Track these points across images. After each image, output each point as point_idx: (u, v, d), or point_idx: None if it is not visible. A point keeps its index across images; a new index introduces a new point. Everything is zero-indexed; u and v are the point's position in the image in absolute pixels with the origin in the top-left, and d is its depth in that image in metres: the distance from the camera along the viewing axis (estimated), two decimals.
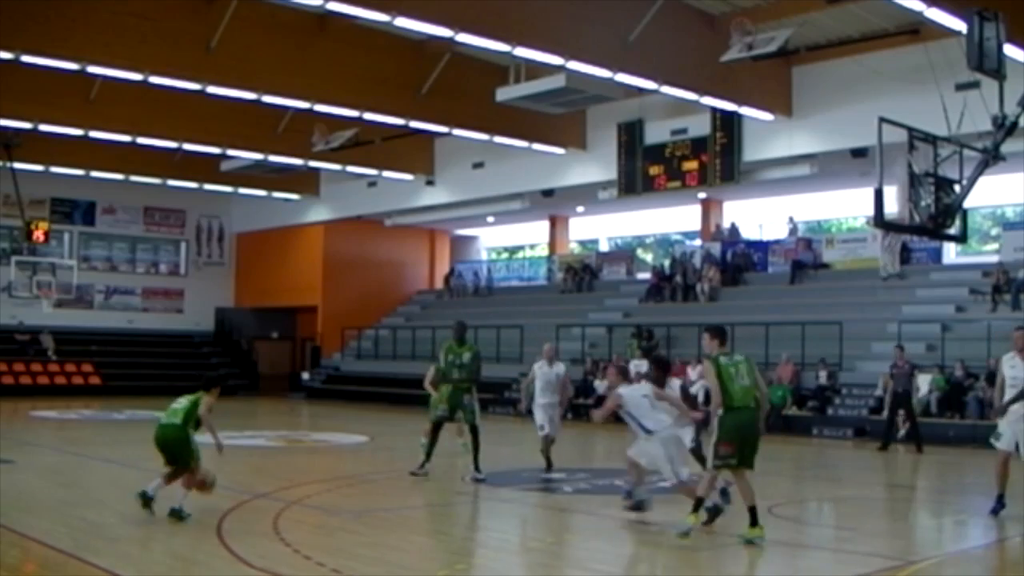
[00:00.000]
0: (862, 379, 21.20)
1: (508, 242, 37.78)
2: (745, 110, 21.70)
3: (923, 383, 19.63)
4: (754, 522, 8.24)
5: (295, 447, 17.65)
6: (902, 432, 19.14)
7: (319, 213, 33.79)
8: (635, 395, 9.06)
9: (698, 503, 8.29)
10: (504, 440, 15.33)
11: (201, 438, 9.46)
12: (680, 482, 8.89)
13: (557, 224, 34.19)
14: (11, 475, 11.97)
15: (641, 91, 21.40)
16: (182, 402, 9.56)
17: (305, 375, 34.49)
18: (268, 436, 18.66)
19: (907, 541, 9.87)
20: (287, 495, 10.80)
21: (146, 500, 9.29)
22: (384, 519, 9.65)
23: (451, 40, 18.07)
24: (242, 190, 31.68)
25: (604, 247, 34.22)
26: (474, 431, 12.41)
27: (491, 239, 38.26)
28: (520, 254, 37.65)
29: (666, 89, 19.93)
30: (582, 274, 31.34)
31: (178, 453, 9.44)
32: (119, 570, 7.18)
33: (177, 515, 9.34)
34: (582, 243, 34.87)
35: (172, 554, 8.10)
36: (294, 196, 32.73)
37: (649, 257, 32.96)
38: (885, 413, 17.97)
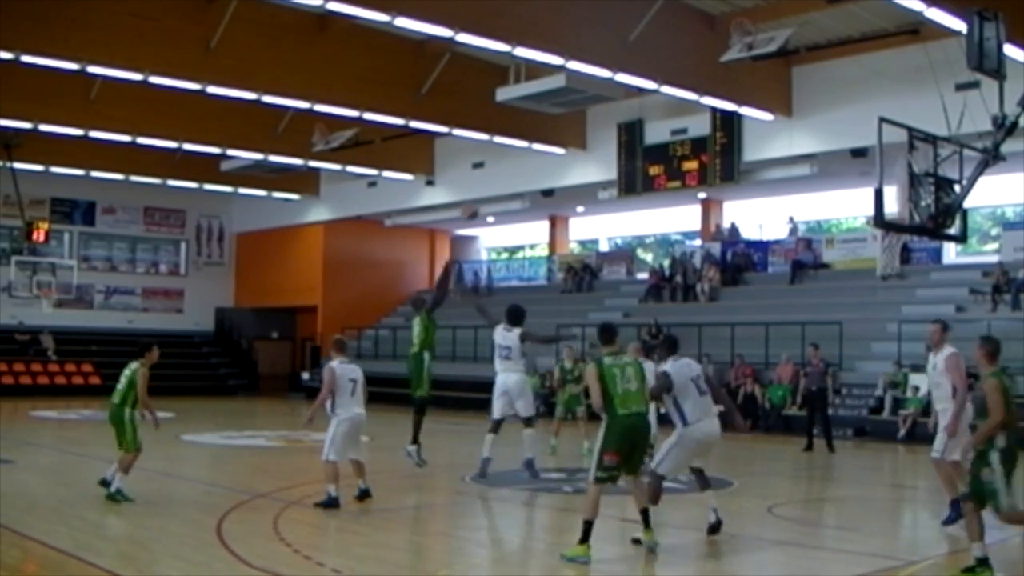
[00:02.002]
0: (862, 379, 21.21)
1: (508, 242, 37.79)
2: (745, 110, 21.71)
3: (923, 383, 19.63)
4: (646, 524, 7.92)
5: (295, 447, 17.63)
6: (902, 432, 19.17)
7: (319, 213, 33.79)
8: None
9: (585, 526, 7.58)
10: (504, 440, 15.30)
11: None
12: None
13: (557, 224, 34.18)
14: (11, 475, 11.98)
15: (641, 91, 21.41)
16: (122, 381, 10.10)
17: (305, 375, 34.48)
18: (268, 436, 18.67)
19: (907, 541, 9.89)
20: (287, 495, 10.80)
21: (104, 483, 10.02)
22: (384, 519, 9.65)
23: (451, 40, 18.06)
24: (242, 190, 31.68)
25: (604, 247, 34.21)
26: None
27: (491, 239, 38.26)
28: (520, 254, 37.64)
29: (666, 89, 19.94)
30: (582, 274, 31.32)
31: (117, 433, 10.04)
32: (119, 570, 7.18)
33: (112, 497, 9.79)
34: (582, 243, 34.86)
35: (172, 554, 8.10)
36: (294, 196, 32.73)
37: (649, 257, 32.95)
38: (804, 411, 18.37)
